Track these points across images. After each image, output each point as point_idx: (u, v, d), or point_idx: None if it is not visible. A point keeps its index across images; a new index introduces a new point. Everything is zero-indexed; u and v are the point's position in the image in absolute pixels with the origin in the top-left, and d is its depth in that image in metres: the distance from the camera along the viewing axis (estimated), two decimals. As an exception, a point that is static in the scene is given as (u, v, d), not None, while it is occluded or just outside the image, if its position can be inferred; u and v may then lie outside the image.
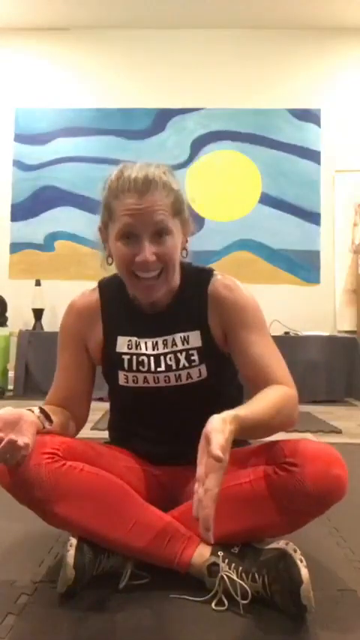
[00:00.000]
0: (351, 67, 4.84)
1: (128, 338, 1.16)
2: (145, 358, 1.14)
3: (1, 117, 4.90)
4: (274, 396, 1.01)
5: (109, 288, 1.21)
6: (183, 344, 1.13)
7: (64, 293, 4.75)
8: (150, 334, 1.15)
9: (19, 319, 4.53)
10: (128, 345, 1.16)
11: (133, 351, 1.15)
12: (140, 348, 1.15)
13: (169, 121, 4.83)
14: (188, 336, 1.13)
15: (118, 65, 4.89)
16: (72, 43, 4.89)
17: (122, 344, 1.16)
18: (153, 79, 4.85)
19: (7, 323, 4.41)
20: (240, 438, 0.91)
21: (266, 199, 4.76)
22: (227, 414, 0.89)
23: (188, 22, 4.75)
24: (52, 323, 4.61)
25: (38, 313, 4.51)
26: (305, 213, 4.76)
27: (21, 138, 4.87)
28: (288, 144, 4.79)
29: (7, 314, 4.43)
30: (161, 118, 4.83)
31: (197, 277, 1.17)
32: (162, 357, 1.13)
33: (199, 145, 4.78)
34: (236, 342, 1.12)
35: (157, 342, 1.14)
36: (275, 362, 1.10)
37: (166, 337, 1.14)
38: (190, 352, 1.13)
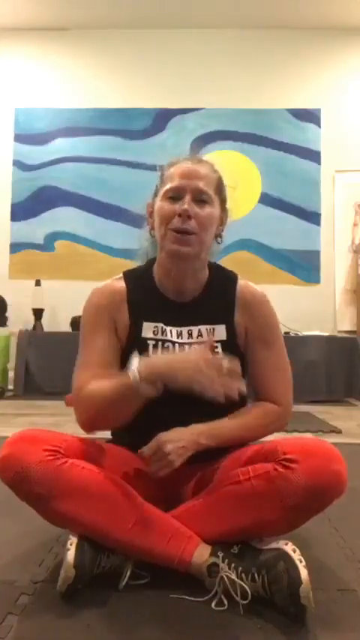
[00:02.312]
0: (351, 67, 4.84)
1: (154, 324, 1.18)
2: (170, 345, 1.16)
3: (1, 117, 4.90)
4: (245, 416, 1.16)
5: (134, 276, 1.24)
6: (208, 336, 1.17)
7: (64, 293, 4.77)
8: (176, 322, 1.18)
9: (19, 319, 4.53)
10: (154, 331, 1.17)
11: (159, 337, 1.17)
12: (166, 335, 1.17)
13: (169, 121, 4.83)
14: (214, 329, 1.17)
15: (117, 65, 4.89)
16: (72, 43, 4.90)
17: (148, 329, 1.17)
18: (153, 79, 4.86)
19: (7, 323, 4.41)
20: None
21: (266, 199, 4.76)
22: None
23: (188, 22, 4.75)
24: (52, 323, 4.62)
25: (38, 313, 4.52)
26: (305, 213, 4.76)
27: (21, 138, 4.87)
28: (288, 144, 4.79)
29: (7, 314, 4.43)
30: (161, 118, 4.83)
31: (225, 276, 1.24)
32: (187, 347, 1.16)
33: (199, 145, 4.78)
34: (253, 354, 1.19)
35: (181, 332, 1.17)
36: (278, 380, 1.18)
37: (191, 327, 1.17)
38: (215, 345, 1.16)
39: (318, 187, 4.78)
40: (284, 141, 4.80)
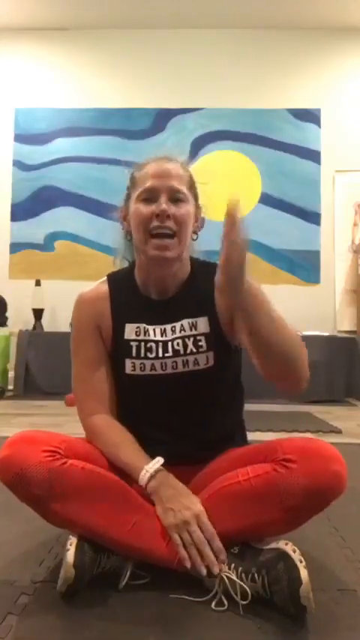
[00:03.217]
0: (351, 67, 4.84)
1: (136, 325, 1.18)
2: (153, 344, 1.15)
3: (1, 117, 4.90)
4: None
5: (117, 279, 1.25)
6: (191, 329, 1.15)
7: (64, 293, 4.76)
8: (158, 321, 1.17)
9: (19, 319, 4.53)
10: (136, 331, 1.17)
11: (142, 337, 1.17)
12: (149, 335, 1.16)
13: (169, 121, 4.83)
14: (196, 322, 1.16)
15: (118, 65, 4.89)
16: (72, 43, 4.90)
17: (130, 331, 1.18)
18: (153, 79, 4.86)
19: (7, 323, 4.41)
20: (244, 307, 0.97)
21: (266, 199, 4.76)
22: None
23: (188, 22, 4.75)
24: (52, 323, 4.62)
25: (38, 313, 4.52)
26: (305, 213, 4.76)
27: (21, 138, 4.87)
28: (288, 144, 4.79)
29: (7, 314, 4.43)
30: (161, 118, 4.83)
31: (205, 268, 1.21)
32: (170, 343, 1.15)
33: (199, 145, 4.79)
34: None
35: (165, 329, 1.16)
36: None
37: (174, 324, 1.16)
38: (198, 338, 1.15)
39: (318, 187, 4.78)
40: (284, 141, 4.79)
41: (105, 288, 1.23)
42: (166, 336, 1.16)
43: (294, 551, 0.94)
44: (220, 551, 0.98)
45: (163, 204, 1.10)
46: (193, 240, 1.20)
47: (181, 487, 1.05)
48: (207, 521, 0.99)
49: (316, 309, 4.62)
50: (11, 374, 4.24)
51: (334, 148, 4.78)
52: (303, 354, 1.06)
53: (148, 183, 1.12)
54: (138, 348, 1.16)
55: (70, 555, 0.97)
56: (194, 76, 4.83)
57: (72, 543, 0.99)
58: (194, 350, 1.14)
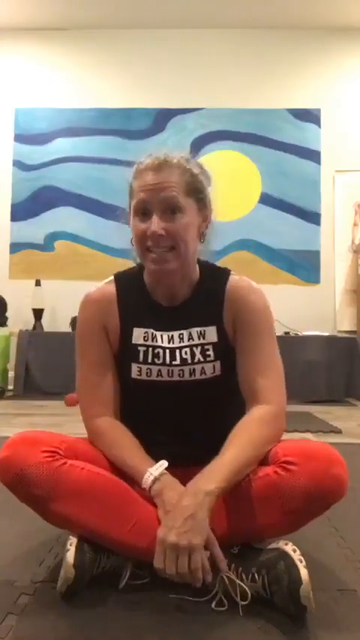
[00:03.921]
0: (351, 67, 4.84)
1: (145, 330, 1.16)
2: (160, 351, 1.14)
3: (1, 117, 4.90)
4: (247, 436, 1.03)
5: (125, 280, 1.22)
6: (199, 338, 1.15)
7: (64, 293, 4.78)
8: (167, 327, 1.16)
9: (19, 319, 4.53)
10: (144, 336, 1.16)
11: (150, 343, 1.15)
12: (156, 341, 1.15)
13: (169, 121, 4.83)
14: (204, 331, 1.15)
15: (118, 65, 4.89)
16: (72, 43, 4.89)
17: (138, 336, 1.16)
18: (153, 79, 4.85)
19: (7, 323, 4.41)
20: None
21: (266, 199, 4.76)
22: (207, 498, 0.93)
23: (188, 22, 4.75)
24: (52, 323, 4.62)
25: (38, 313, 4.52)
26: (305, 213, 4.76)
27: (21, 138, 4.87)
28: (288, 144, 4.79)
29: (7, 314, 4.43)
30: (161, 118, 4.83)
31: (215, 274, 1.20)
32: (177, 351, 1.14)
33: (199, 145, 4.78)
34: (240, 345, 1.14)
35: (172, 336, 1.15)
36: (266, 373, 1.11)
37: (182, 331, 1.16)
38: (206, 347, 1.14)
39: (318, 187, 4.78)
40: (284, 141, 4.79)
41: (112, 288, 1.20)
42: (173, 343, 1.15)
43: (294, 551, 0.94)
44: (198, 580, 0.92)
45: (154, 224, 1.06)
46: (201, 242, 1.17)
47: (177, 502, 1.02)
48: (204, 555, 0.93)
49: (316, 309, 4.62)
50: (11, 374, 4.24)
51: (334, 148, 4.77)
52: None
53: (140, 197, 1.08)
54: (145, 353, 1.15)
55: (70, 555, 0.97)
56: (194, 76, 4.83)
57: (72, 543, 0.99)
58: (201, 359, 1.14)
